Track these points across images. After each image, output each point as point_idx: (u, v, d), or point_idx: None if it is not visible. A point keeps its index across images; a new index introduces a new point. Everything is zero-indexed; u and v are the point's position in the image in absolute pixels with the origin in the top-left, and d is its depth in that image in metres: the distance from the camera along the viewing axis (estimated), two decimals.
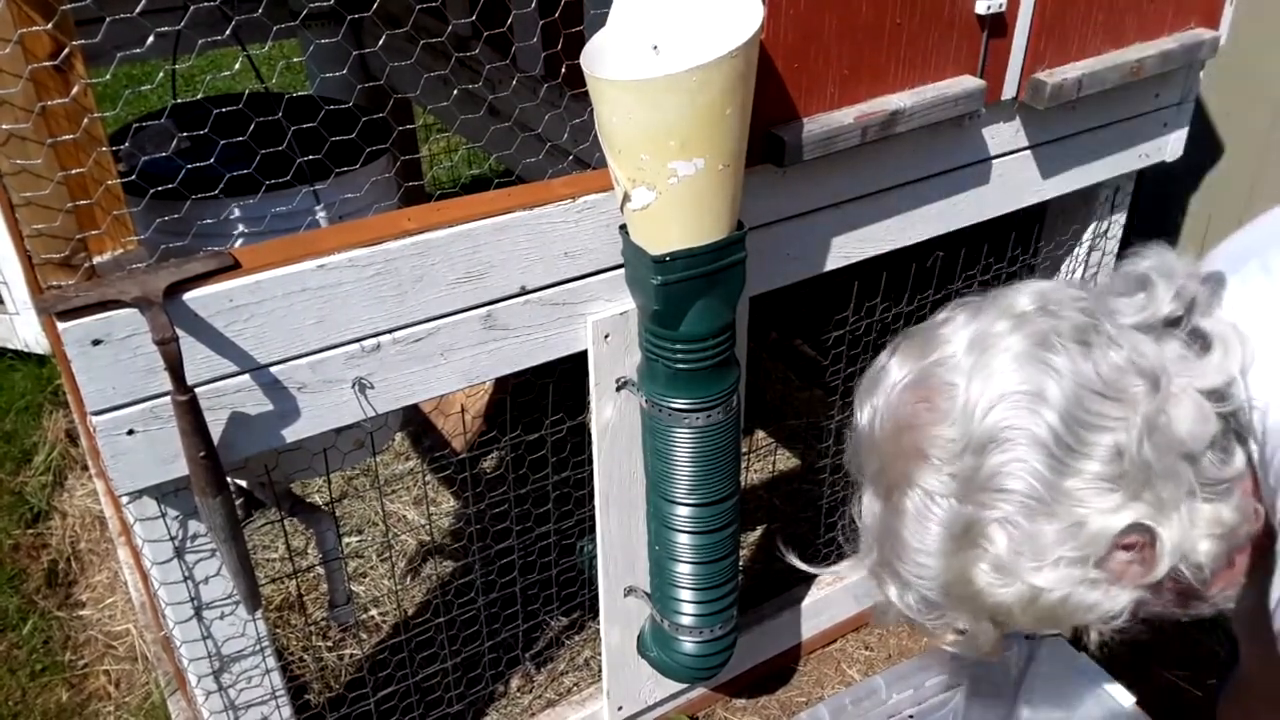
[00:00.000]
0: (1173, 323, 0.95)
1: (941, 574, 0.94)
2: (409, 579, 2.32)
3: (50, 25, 1.03)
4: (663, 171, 1.25)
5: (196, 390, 1.19)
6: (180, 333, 1.15)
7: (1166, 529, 0.90)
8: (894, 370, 0.96)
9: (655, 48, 1.32)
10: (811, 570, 1.19)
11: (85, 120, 1.09)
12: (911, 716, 1.67)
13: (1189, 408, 0.90)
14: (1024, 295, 0.95)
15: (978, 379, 0.90)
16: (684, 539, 1.57)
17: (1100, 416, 0.88)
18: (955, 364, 0.92)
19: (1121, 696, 1.58)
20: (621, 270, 1.46)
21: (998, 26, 1.63)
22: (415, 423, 2.72)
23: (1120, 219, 2.15)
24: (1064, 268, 2.19)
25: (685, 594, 1.62)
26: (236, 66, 1.76)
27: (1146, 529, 0.90)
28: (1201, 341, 0.94)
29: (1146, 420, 0.88)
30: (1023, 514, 0.89)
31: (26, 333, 3.03)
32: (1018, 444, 0.88)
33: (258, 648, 1.45)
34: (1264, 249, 1.03)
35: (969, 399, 0.89)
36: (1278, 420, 0.93)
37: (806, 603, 2.12)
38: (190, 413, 1.17)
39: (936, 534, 0.92)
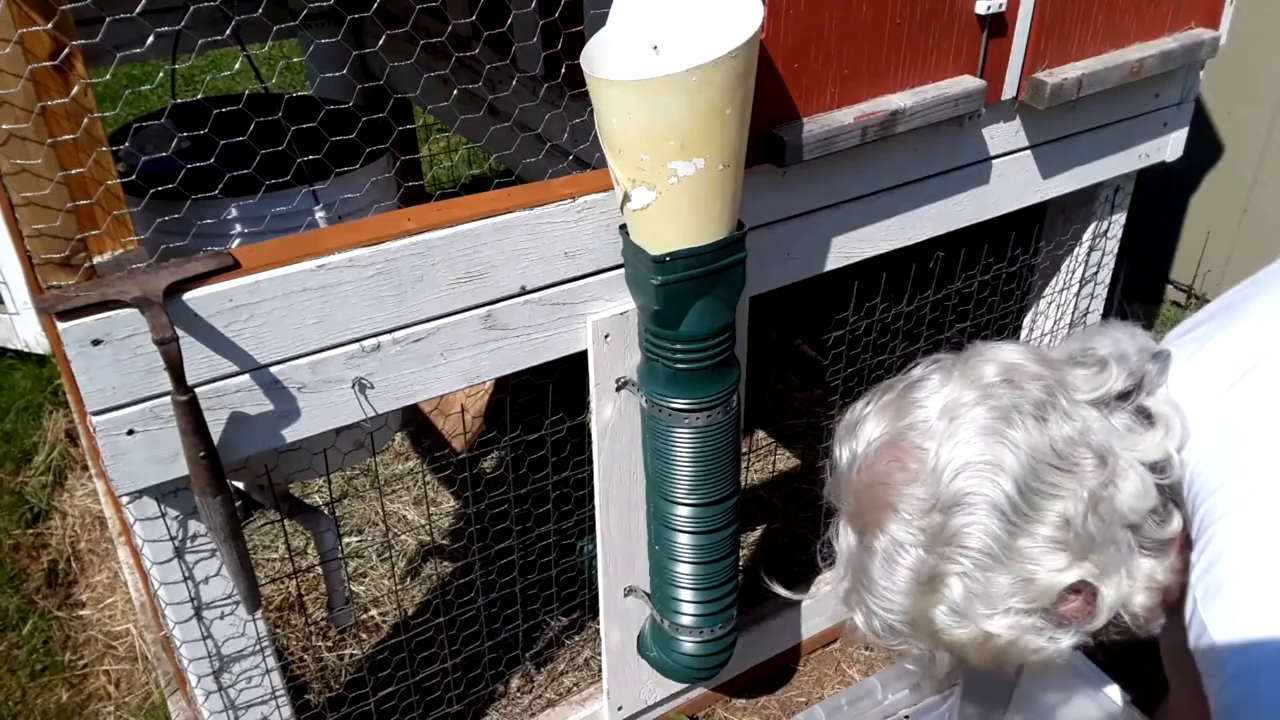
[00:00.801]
0: (1124, 396, 1.06)
1: (906, 611, 1.06)
2: (409, 579, 2.32)
3: (50, 25, 1.03)
4: (663, 171, 1.25)
5: (196, 390, 1.19)
6: (180, 333, 1.15)
7: (1107, 586, 1.02)
8: (870, 425, 1.08)
9: (655, 48, 1.32)
10: (794, 597, 1.37)
11: (85, 120, 1.09)
12: (907, 717, 1.68)
13: (1134, 482, 1.01)
14: (991, 366, 1.06)
15: (946, 446, 1.01)
16: (684, 539, 1.57)
17: (1053, 486, 0.99)
18: (928, 429, 1.03)
19: (1116, 696, 1.58)
20: (621, 270, 1.46)
21: (998, 26, 1.63)
22: (415, 423, 2.72)
23: (1120, 219, 2.15)
24: (1064, 267, 2.19)
25: (685, 594, 1.62)
26: (236, 66, 1.76)
27: (1090, 585, 1.02)
28: (1147, 417, 1.06)
29: (1092, 495, 1.00)
30: (979, 569, 1.00)
31: (27, 333, 3.03)
32: (978, 508, 0.99)
33: (258, 648, 1.45)
34: (1202, 323, 1.15)
35: (938, 464, 1.00)
36: (1201, 478, 1.03)
37: (807, 603, 2.12)
38: (190, 413, 1.17)
39: (903, 576, 1.04)
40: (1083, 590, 1.03)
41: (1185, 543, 1.06)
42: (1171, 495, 1.05)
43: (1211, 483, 1.01)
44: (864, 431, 1.08)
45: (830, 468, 1.14)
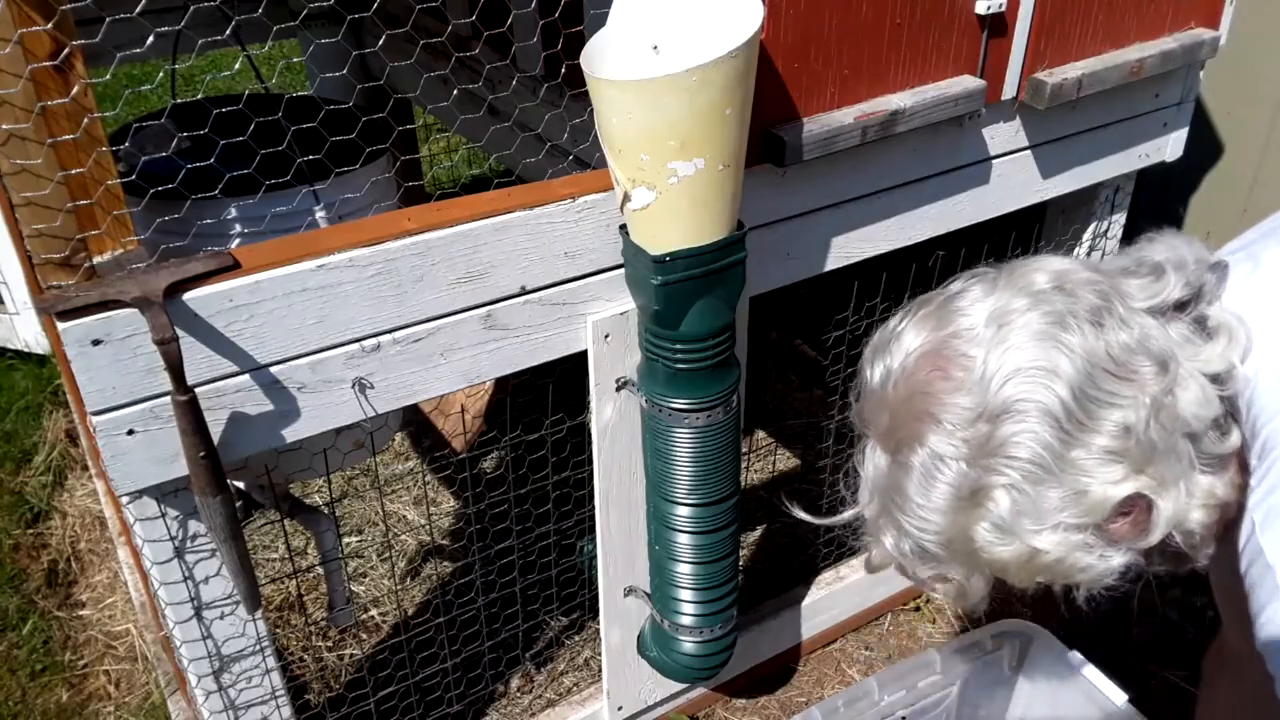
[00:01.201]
0: (1180, 306, 1.00)
1: (944, 530, 0.99)
2: (409, 579, 2.32)
3: (50, 25, 1.03)
4: (663, 171, 1.25)
5: (196, 390, 1.19)
6: (180, 333, 1.15)
7: (1164, 500, 0.96)
8: (909, 336, 1.00)
9: (655, 48, 1.32)
10: (816, 521, 1.23)
11: (85, 120, 1.09)
12: (905, 718, 1.68)
13: (1194, 391, 0.95)
14: (1041, 273, 0.99)
15: (995, 352, 0.94)
16: (684, 539, 1.57)
17: (1110, 394, 0.93)
18: (974, 337, 0.96)
19: (1114, 695, 1.58)
20: (621, 270, 1.46)
21: (998, 26, 1.63)
22: (415, 423, 2.72)
23: (1120, 219, 2.15)
24: None
25: (685, 594, 1.62)
26: (236, 66, 1.76)
27: (1145, 499, 0.96)
28: (1206, 328, 0.99)
29: (1154, 401, 0.93)
30: (1028, 481, 0.94)
31: (27, 333, 3.03)
32: (1030, 415, 0.93)
33: (258, 648, 1.45)
34: (1254, 242, 1.09)
35: (985, 371, 0.94)
36: (1261, 400, 0.98)
37: (806, 603, 2.12)
38: (190, 413, 1.17)
39: (943, 493, 0.97)
40: (1137, 505, 0.97)
41: (1240, 463, 1.01)
42: (1231, 409, 0.99)
43: (1271, 406, 0.96)
44: (901, 343, 1.01)
45: (857, 391, 1.07)
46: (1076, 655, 1.65)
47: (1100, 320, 0.95)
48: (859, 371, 1.07)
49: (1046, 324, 0.94)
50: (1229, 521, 1.03)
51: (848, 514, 1.14)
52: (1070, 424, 0.93)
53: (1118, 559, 0.99)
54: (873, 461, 1.05)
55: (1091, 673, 1.62)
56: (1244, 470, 1.01)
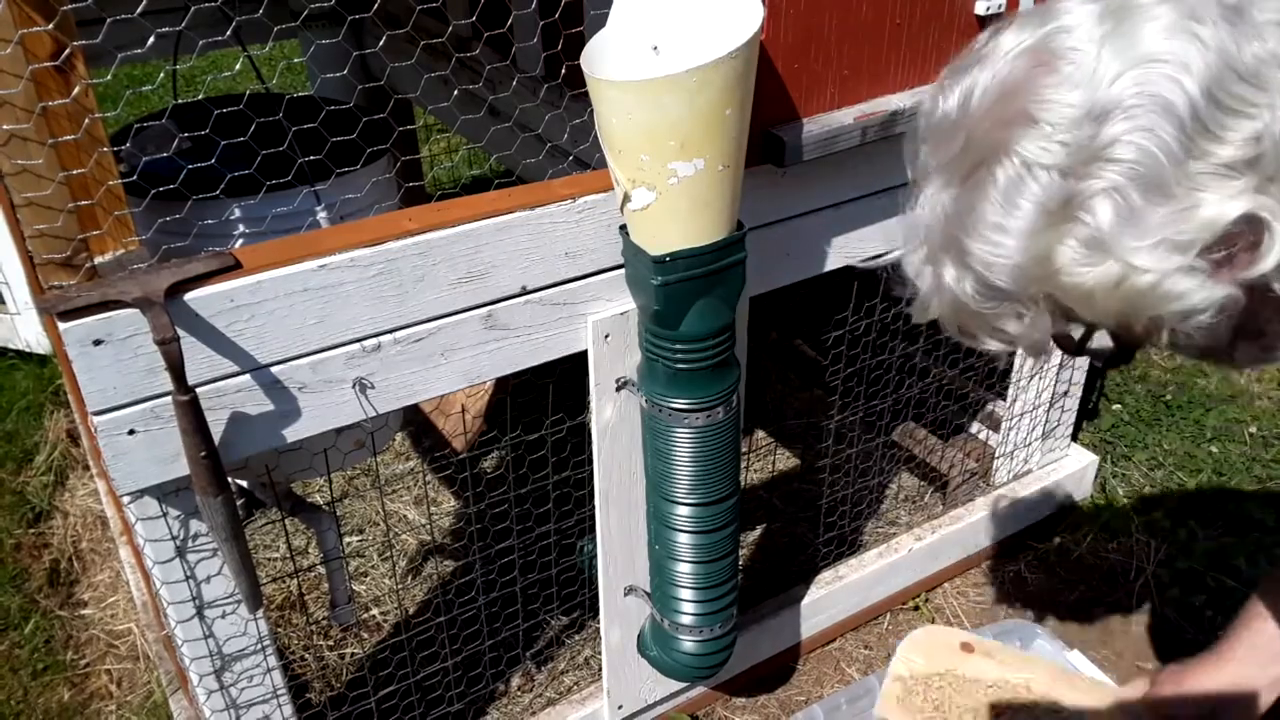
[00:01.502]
0: None
1: (1019, 253, 0.87)
2: (410, 578, 2.32)
3: (51, 26, 1.03)
4: (663, 172, 1.25)
5: (197, 390, 1.19)
6: (181, 333, 1.15)
7: None
8: (1007, 39, 0.87)
9: (655, 48, 1.32)
10: (862, 265, 1.08)
11: (86, 121, 1.09)
12: None
13: None
14: None
15: (1110, 44, 0.82)
16: (684, 539, 1.57)
17: (1241, 101, 0.82)
18: (1087, 31, 0.83)
19: None
20: (621, 270, 1.46)
21: None
22: (416, 423, 2.72)
23: None
24: None
25: (685, 593, 1.62)
26: (237, 67, 1.76)
27: (1261, 222, 0.84)
28: None
29: None
30: (1136, 187, 0.82)
31: (28, 333, 3.03)
32: (1148, 111, 0.81)
33: (259, 647, 1.45)
34: None
35: (1099, 66, 0.82)
36: None
37: (806, 602, 2.12)
38: (191, 412, 1.17)
39: (1027, 209, 0.85)
40: (1251, 232, 0.84)
41: None
42: None
43: None
44: (997, 49, 0.87)
45: (919, 120, 0.94)
46: (1078, 655, 1.65)
47: (1234, 21, 0.82)
48: (921, 119, 0.94)
49: (1177, 17, 0.82)
50: None
51: (889, 256, 1.00)
52: (1194, 125, 0.81)
53: (1218, 291, 0.86)
54: (932, 201, 0.92)
55: (1093, 673, 1.62)
56: None
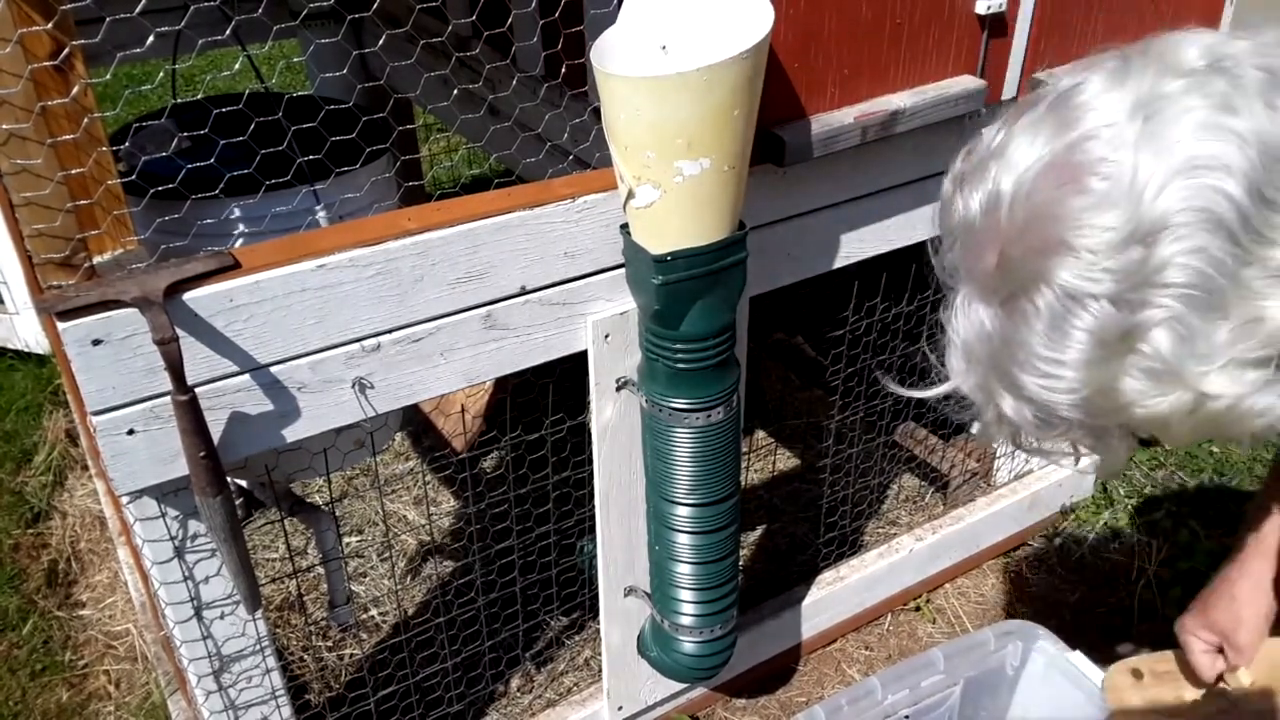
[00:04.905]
0: None
1: (1081, 386, 0.80)
2: (409, 579, 2.32)
3: (50, 25, 1.03)
4: (668, 170, 1.25)
5: (196, 390, 1.19)
6: (180, 332, 1.15)
7: None
8: (1020, 147, 0.79)
9: (664, 47, 1.32)
10: (910, 393, 1.00)
11: (85, 120, 1.09)
12: (908, 717, 1.67)
13: None
14: (1191, 48, 0.79)
15: (1147, 151, 0.74)
16: (684, 539, 1.57)
17: None
18: (1114, 135, 0.75)
19: None
20: (621, 270, 1.46)
21: (998, 26, 1.63)
22: (415, 423, 2.72)
23: None
24: None
25: (685, 594, 1.62)
26: (236, 66, 1.76)
27: None
28: None
29: None
30: (1194, 311, 0.75)
31: (27, 333, 3.03)
32: (1197, 230, 0.73)
33: (258, 647, 1.45)
34: None
35: (1137, 177, 0.74)
36: None
37: (806, 603, 2.12)
38: (190, 412, 1.17)
39: (1081, 340, 0.78)
40: None
41: None
42: None
43: None
44: (1009, 159, 0.79)
45: (946, 228, 0.87)
46: (1079, 655, 1.64)
47: (1272, 101, 0.75)
48: (944, 206, 0.87)
49: (1211, 110, 0.74)
50: None
51: (942, 387, 0.92)
52: (1246, 234, 0.74)
53: None
54: (970, 318, 0.84)
55: (1094, 673, 1.62)
56: None
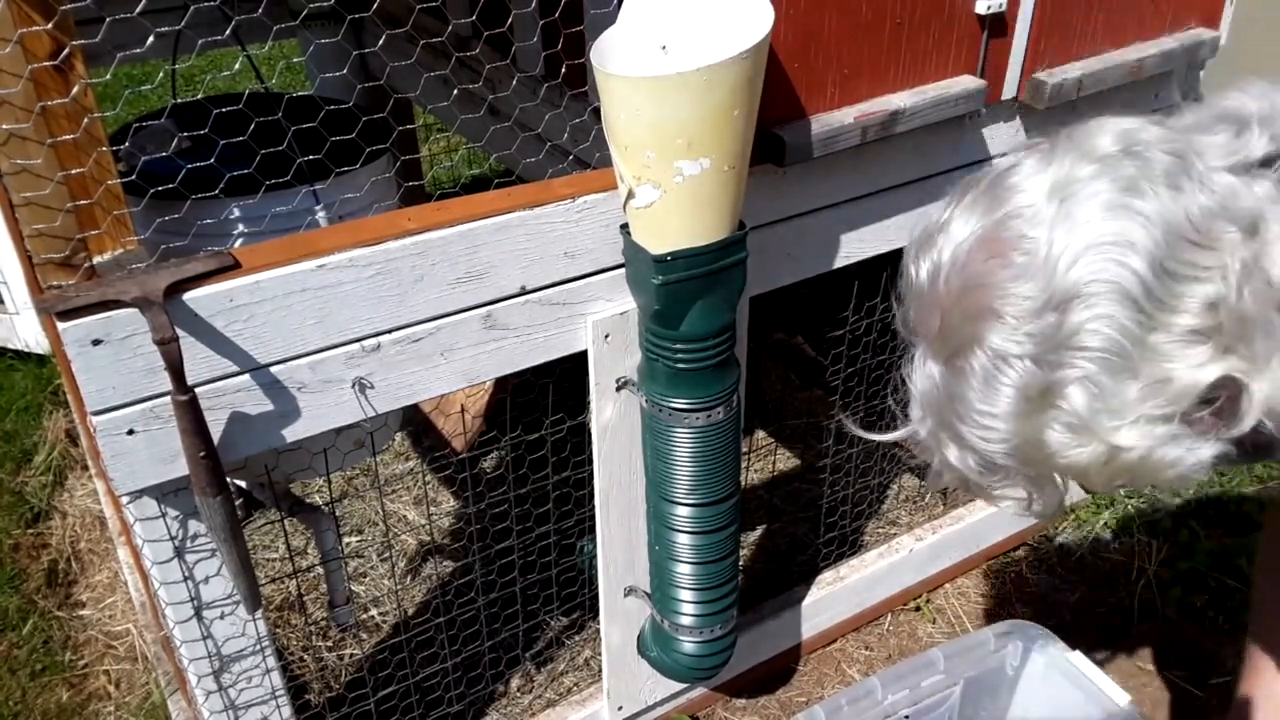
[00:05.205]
0: (1268, 162, 0.89)
1: (1011, 437, 0.90)
2: (409, 579, 2.32)
3: (50, 25, 1.03)
4: (668, 170, 1.25)
5: (196, 390, 1.19)
6: (180, 332, 1.15)
7: (1257, 382, 0.86)
8: (958, 224, 0.90)
9: (664, 47, 1.32)
10: (872, 437, 1.12)
11: (85, 120, 1.09)
12: (908, 717, 1.67)
13: None
14: (1106, 135, 0.89)
15: (1060, 229, 0.84)
16: (684, 539, 1.57)
17: (1191, 265, 0.83)
18: (1034, 214, 0.86)
19: (1117, 695, 1.58)
20: (621, 270, 1.46)
21: (998, 26, 1.63)
22: (415, 423, 2.72)
23: None
24: None
25: (685, 594, 1.62)
26: (236, 66, 1.76)
27: (1235, 382, 0.86)
28: None
29: (1244, 269, 0.83)
30: (1105, 372, 0.85)
31: (27, 333, 3.03)
32: (1104, 298, 0.83)
33: (258, 647, 1.45)
34: None
35: (1050, 251, 0.84)
36: None
37: (806, 603, 2.12)
38: (190, 412, 1.17)
39: (1008, 396, 0.88)
40: (1227, 389, 0.86)
41: None
42: None
43: None
44: (950, 233, 0.90)
45: (900, 294, 0.97)
46: (1079, 655, 1.65)
47: (1177, 183, 0.84)
48: (902, 272, 0.96)
49: (1117, 192, 0.84)
50: None
51: (900, 432, 1.03)
52: (1149, 303, 0.82)
53: (1207, 450, 0.88)
54: (923, 372, 0.95)
55: (1094, 673, 1.62)
56: None
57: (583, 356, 1.50)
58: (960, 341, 0.89)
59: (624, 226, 1.39)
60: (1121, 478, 0.91)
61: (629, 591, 1.76)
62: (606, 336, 1.50)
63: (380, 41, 1.38)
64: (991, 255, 0.87)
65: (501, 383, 2.60)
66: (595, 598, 1.79)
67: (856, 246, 1.71)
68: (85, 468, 2.66)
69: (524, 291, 1.40)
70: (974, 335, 0.88)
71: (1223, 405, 0.88)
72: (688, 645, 1.67)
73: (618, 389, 1.55)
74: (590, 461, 1.62)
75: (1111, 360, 0.84)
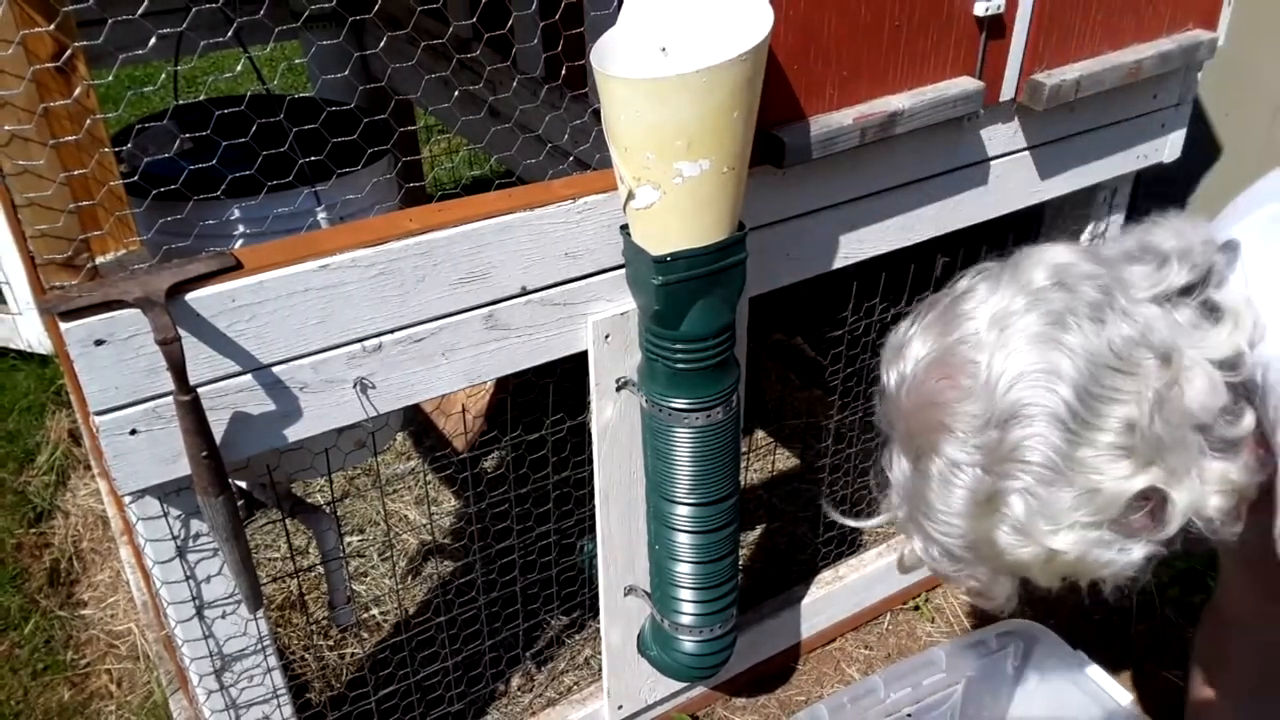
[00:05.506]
0: (1187, 291, 1.00)
1: (966, 534, 1.01)
2: (410, 578, 2.32)
3: (52, 27, 1.03)
4: (668, 171, 1.26)
5: (199, 390, 1.20)
6: (182, 333, 1.16)
7: (1178, 491, 0.96)
8: (916, 344, 1.03)
9: (663, 49, 1.33)
10: (853, 524, 1.26)
11: (88, 121, 1.09)
12: (909, 715, 1.68)
13: (1201, 382, 0.96)
14: (1041, 269, 1.00)
15: (998, 357, 0.95)
16: (684, 538, 1.57)
17: (1113, 390, 0.93)
18: (977, 341, 0.97)
19: (1118, 694, 1.58)
20: (622, 270, 1.46)
21: (996, 28, 1.63)
22: (416, 423, 2.72)
23: (1118, 220, 2.15)
24: None
25: (685, 593, 1.63)
26: (238, 68, 1.76)
27: (1159, 491, 0.96)
28: (1214, 312, 1.00)
29: (1157, 395, 0.93)
30: (1040, 483, 0.95)
31: (29, 333, 3.03)
32: (1037, 420, 0.93)
33: (259, 647, 1.46)
34: (1257, 207, 1.10)
35: (990, 376, 0.95)
36: (1277, 377, 0.99)
37: (806, 602, 2.12)
38: (192, 412, 1.18)
39: (961, 498, 0.99)
40: (1152, 498, 0.97)
41: (1260, 441, 1.02)
42: (1244, 392, 1.00)
43: None
44: (910, 351, 1.03)
45: (878, 393, 1.09)
46: (1080, 655, 1.65)
47: (1101, 316, 0.95)
48: (879, 374, 1.08)
49: (1045, 325, 0.95)
50: (1250, 502, 1.03)
51: (881, 518, 1.15)
52: (1076, 424, 0.93)
53: (1138, 551, 0.99)
54: (897, 466, 1.06)
55: (1095, 673, 1.62)
56: (1268, 450, 1.01)
57: (583, 357, 1.51)
58: (921, 447, 1.01)
59: (624, 227, 1.40)
60: (1062, 572, 1.02)
61: (629, 591, 1.76)
62: (607, 337, 1.50)
63: (381, 43, 1.39)
64: (943, 376, 0.99)
65: (502, 383, 2.61)
66: (595, 597, 1.79)
67: (856, 247, 1.72)
68: (88, 467, 2.67)
69: (525, 292, 1.41)
70: (931, 444, 0.99)
71: (1152, 510, 0.98)
72: (688, 644, 1.67)
73: (618, 389, 1.55)
74: (590, 461, 1.63)
75: (1046, 473, 0.95)
